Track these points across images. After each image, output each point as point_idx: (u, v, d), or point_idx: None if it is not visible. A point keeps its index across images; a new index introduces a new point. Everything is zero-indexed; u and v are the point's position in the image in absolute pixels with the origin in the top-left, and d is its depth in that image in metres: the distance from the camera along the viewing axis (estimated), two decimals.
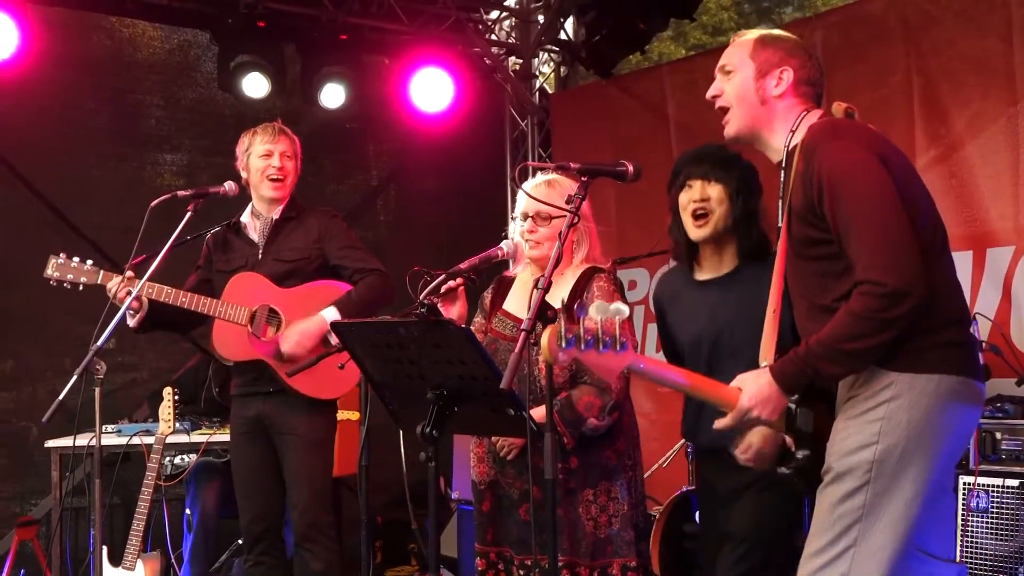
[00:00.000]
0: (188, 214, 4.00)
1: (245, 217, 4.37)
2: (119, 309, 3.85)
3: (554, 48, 8.27)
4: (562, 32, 8.11)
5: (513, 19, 8.10)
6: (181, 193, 4.07)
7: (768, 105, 2.76)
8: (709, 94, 2.87)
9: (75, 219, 6.39)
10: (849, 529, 2.51)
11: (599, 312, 2.38)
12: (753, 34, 2.85)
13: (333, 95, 6.82)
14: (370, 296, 4.20)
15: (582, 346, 2.39)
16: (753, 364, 2.84)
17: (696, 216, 3.28)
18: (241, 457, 4.32)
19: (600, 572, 3.22)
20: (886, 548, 2.49)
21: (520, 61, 8.14)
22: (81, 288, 4.10)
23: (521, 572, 3.26)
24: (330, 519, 4.27)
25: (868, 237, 2.48)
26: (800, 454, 2.66)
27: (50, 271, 4.09)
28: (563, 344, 2.38)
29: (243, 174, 4.34)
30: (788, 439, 2.70)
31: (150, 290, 4.03)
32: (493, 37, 8.02)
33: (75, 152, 6.51)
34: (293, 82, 6.91)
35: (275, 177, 4.26)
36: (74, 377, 3.61)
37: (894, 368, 2.53)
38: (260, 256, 4.27)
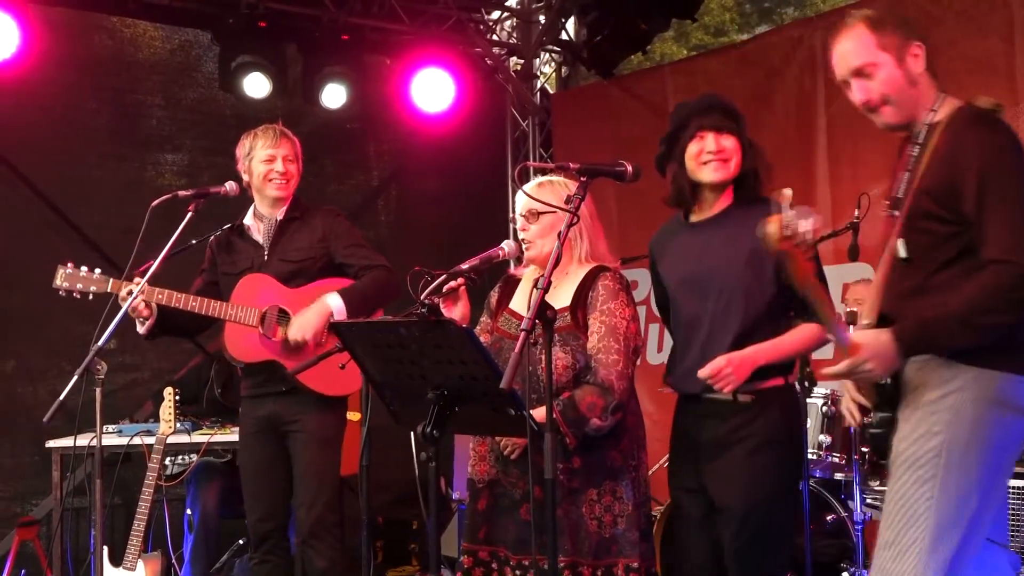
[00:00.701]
0: (189, 214, 4.01)
1: (248, 219, 4.38)
2: (119, 309, 3.86)
3: (555, 48, 8.27)
4: (563, 32, 8.12)
5: (514, 19, 8.10)
6: (182, 193, 4.09)
7: (917, 86, 2.81)
8: (858, 101, 2.86)
9: (76, 219, 6.39)
10: (917, 519, 2.57)
11: (806, 219, 2.39)
12: (859, 28, 2.82)
13: (334, 95, 6.82)
14: (374, 287, 4.23)
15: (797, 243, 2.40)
16: (735, 303, 3.10)
17: (711, 162, 3.30)
18: (250, 456, 4.33)
19: (604, 572, 3.21)
20: (953, 538, 2.56)
21: (521, 61, 8.14)
22: (91, 297, 4.11)
23: (517, 572, 3.26)
24: (335, 517, 4.28)
25: (1016, 220, 2.54)
26: (878, 416, 2.75)
27: (58, 282, 4.09)
28: (784, 234, 2.38)
29: (244, 176, 4.34)
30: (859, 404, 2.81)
31: (160, 295, 4.06)
32: (494, 37, 8.02)
33: (76, 152, 6.51)
34: (294, 82, 6.91)
35: (279, 181, 4.28)
36: (75, 377, 3.62)
37: (964, 361, 2.59)
38: (266, 257, 4.29)
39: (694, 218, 3.41)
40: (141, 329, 4.14)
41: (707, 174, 3.30)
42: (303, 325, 4.11)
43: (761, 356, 3.14)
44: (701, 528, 3.32)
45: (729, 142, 3.29)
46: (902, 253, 2.69)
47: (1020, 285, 2.51)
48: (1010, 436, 2.62)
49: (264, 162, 4.27)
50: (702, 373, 3.08)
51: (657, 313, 3.70)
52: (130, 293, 3.95)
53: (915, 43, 2.79)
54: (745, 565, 3.21)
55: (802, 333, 3.21)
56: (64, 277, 4.09)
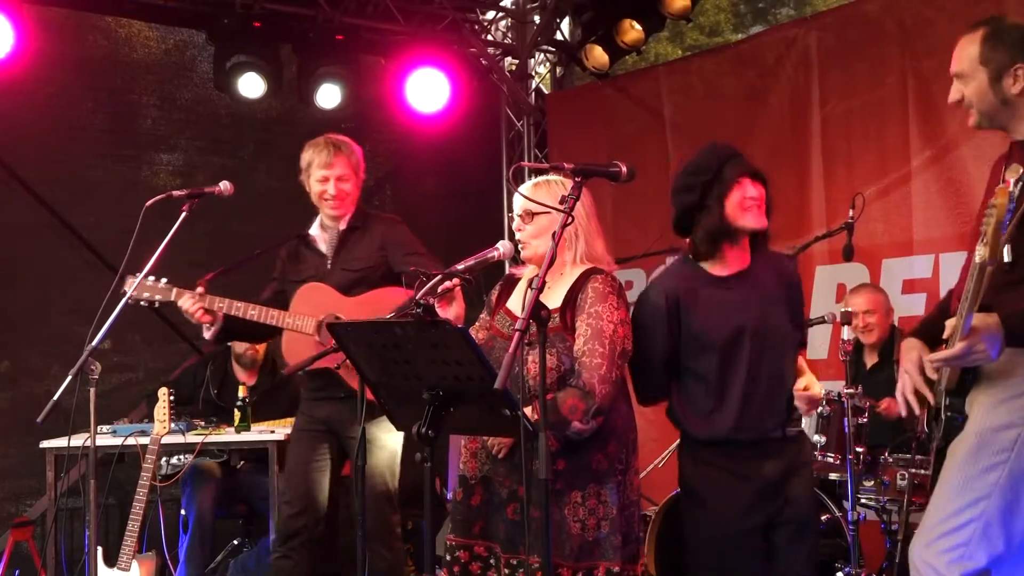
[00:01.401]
0: (183, 214, 4.02)
1: (314, 230, 4.46)
2: (114, 309, 3.86)
3: (550, 48, 8.28)
4: (558, 32, 8.12)
5: (509, 20, 8.11)
6: (176, 193, 4.09)
7: (1010, 105, 2.85)
8: (951, 100, 2.95)
9: (71, 219, 6.39)
10: (977, 502, 2.66)
11: None
12: (978, 34, 2.86)
13: (329, 95, 6.83)
14: None
15: None
16: (789, 354, 3.35)
17: (752, 208, 3.35)
18: (300, 451, 4.38)
19: (584, 574, 3.21)
20: (1009, 525, 2.65)
21: (516, 61, 8.15)
22: (157, 306, 4.19)
23: (507, 571, 3.26)
24: (398, 518, 4.40)
25: None
26: (951, 402, 2.85)
27: (130, 291, 4.08)
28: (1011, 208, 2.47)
29: (306, 187, 4.42)
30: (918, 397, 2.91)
31: (221, 304, 4.17)
32: (489, 37, 8.03)
33: (71, 152, 6.51)
34: (289, 82, 6.92)
35: (332, 203, 4.34)
36: (69, 377, 3.62)
37: None
38: (329, 266, 4.36)
39: (716, 271, 3.42)
40: (207, 334, 4.24)
41: (749, 220, 3.34)
42: None
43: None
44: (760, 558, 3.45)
45: (758, 191, 3.37)
46: (1007, 257, 2.68)
47: None
48: None
49: (319, 181, 4.33)
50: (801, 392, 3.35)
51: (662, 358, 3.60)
52: (204, 311, 4.12)
53: (1019, 66, 2.80)
54: (806, 563, 3.44)
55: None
56: (135, 287, 4.08)
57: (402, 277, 4.18)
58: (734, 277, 3.41)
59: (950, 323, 2.70)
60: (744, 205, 3.32)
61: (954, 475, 2.74)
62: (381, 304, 4.17)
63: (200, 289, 4.14)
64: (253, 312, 4.21)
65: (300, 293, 4.30)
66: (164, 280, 4.18)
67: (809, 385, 3.38)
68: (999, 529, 2.66)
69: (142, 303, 4.16)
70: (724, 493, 3.42)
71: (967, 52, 2.86)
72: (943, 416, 2.86)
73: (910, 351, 2.98)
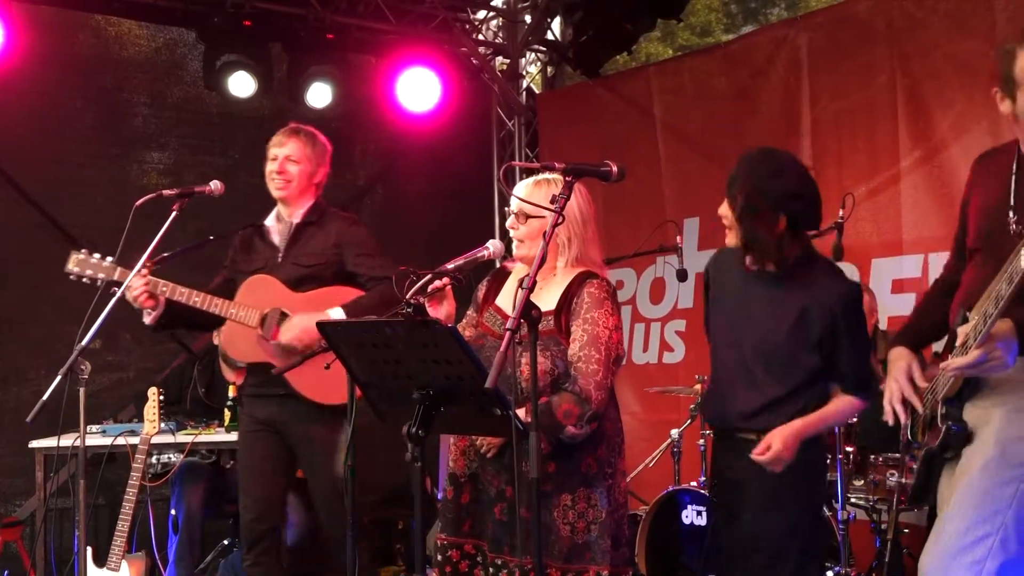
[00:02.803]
0: (173, 213, 4.00)
1: (270, 220, 4.42)
2: (104, 308, 3.84)
3: (541, 48, 8.28)
4: (549, 32, 8.12)
5: (500, 19, 8.10)
6: (166, 192, 4.08)
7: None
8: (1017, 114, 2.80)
9: (61, 218, 6.36)
10: (995, 515, 2.60)
11: None
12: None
13: (320, 94, 6.81)
14: (378, 303, 4.17)
15: None
16: (775, 367, 3.14)
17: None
18: (248, 455, 4.35)
19: None
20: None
21: (507, 61, 8.14)
22: (100, 284, 4.12)
23: (491, 570, 3.26)
24: (351, 519, 4.30)
25: None
26: (948, 411, 2.78)
27: (70, 266, 4.13)
28: None
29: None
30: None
31: (165, 288, 4.09)
32: (480, 37, 8.02)
33: (61, 151, 6.49)
34: (280, 81, 6.90)
35: (277, 181, 4.29)
36: (58, 377, 3.60)
37: None
38: (280, 259, 4.31)
39: (753, 264, 3.31)
40: (148, 319, 4.17)
41: (726, 238, 3.30)
42: (298, 335, 4.11)
43: (809, 428, 3.18)
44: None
45: (728, 212, 3.24)
46: None
47: None
48: None
49: (270, 160, 4.32)
50: (756, 456, 3.12)
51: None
52: (147, 294, 4.01)
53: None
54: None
55: (843, 405, 3.24)
56: (76, 262, 4.12)
57: (392, 277, 4.18)
58: (758, 275, 3.30)
59: (963, 330, 2.65)
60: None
61: (971, 487, 2.67)
62: (328, 301, 4.19)
63: (145, 271, 4.04)
64: (197, 299, 4.15)
65: (246, 285, 4.25)
66: (110, 259, 4.14)
67: (771, 443, 3.12)
68: (1016, 545, 2.60)
69: (84, 280, 4.12)
70: (712, 481, 3.47)
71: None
72: (939, 425, 2.79)
73: (898, 360, 2.96)
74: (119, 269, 4.10)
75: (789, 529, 3.22)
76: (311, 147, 4.36)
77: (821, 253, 3.36)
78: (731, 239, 3.28)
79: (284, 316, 4.20)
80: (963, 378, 2.71)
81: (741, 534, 3.27)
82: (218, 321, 4.28)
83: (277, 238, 4.36)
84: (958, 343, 2.68)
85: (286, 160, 4.29)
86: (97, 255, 4.13)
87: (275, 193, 4.32)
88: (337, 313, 4.13)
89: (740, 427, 3.27)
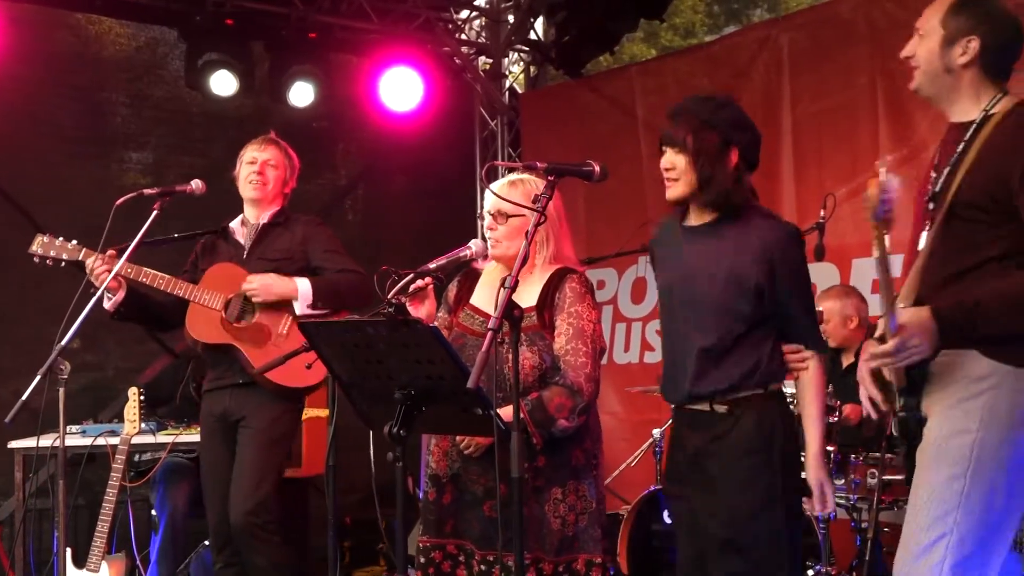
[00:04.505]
0: (154, 212, 4.01)
1: (234, 223, 4.49)
2: (84, 307, 3.83)
3: (524, 48, 8.29)
4: (532, 32, 8.13)
5: (483, 19, 8.11)
6: (147, 192, 4.12)
7: (952, 75, 2.76)
8: (902, 54, 2.85)
9: (40, 218, 6.30)
10: (945, 516, 2.57)
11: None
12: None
13: (302, 94, 6.80)
14: (346, 285, 4.31)
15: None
16: (709, 319, 2.99)
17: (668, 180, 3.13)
18: (208, 456, 4.38)
19: (565, 567, 3.23)
20: (980, 535, 2.56)
21: (490, 61, 8.15)
22: (63, 265, 4.15)
23: (483, 567, 3.26)
24: (270, 517, 4.22)
25: None
26: (903, 400, 2.73)
27: (35, 247, 4.16)
28: (883, 199, 2.38)
29: (237, 183, 4.46)
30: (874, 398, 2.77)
31: (129, 270, 4.10)
32: (463, 37, 8.02)
33: (40, 150, 6.44)
34: (261, 80, 6.89)
35: (255, 182, 4.38)
36: (38, 377, 3.59)
37: (997, 358, 2.58)
38: (245, 256, 4.38)
39: (690, 221, 3.18)
40: (108, 304, 4.15)
41: (667, 193, 3.13)
42: (264, 283, 4.19)
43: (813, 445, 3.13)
44: (690, 534, 3.18)
45: (680, 160, 3.08)
46: (887, 248, 2.63)
47: None
48: None
49: (248, 163, 4.41)
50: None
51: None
52: (107, 272, 4.01)
53: (972, 38, 2.71)
54: None
55: (817, 386, 3.13)
56: (40, 244, 4.16)
57: (373, 276, 4.18)
58: (694, 230, 3.15)
59: (881, 323, 2.64)
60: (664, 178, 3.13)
61: (921, 486, 2.66)
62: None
63: (111, 252, 4.07)
64: (162, 281, 4.20)
65: (210, 271, 4.32)
66: (74, 241, 4.15)
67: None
68: (972, 543, 2.56)
69: (48, 262, 4.14)
70: (667, 456, 3.35)
71: (933, 10, 2.80)
72: (897, 416, 2.77)
73: (863, 354, 2.97)
74: (84, 250, 4.12)
75: (744, 515, 2.99)
76: (287, 158, 4.50)
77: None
78: (675, 191, 3.09)
79: (248, 302, 4.25)
80: (905, 367, 2.64)
81: (705, 530, 3.07)
82: (179, 320, 4.31)
83: (242, 239, 4.43)
84: (876, 334, 2.67)
85: (266, 164, 4.41)
86: (61, 237, 4.15)
87: (250, 194, 4.40)
88: (304, 282, 4.24)
89: (691, 396, 3.06)
